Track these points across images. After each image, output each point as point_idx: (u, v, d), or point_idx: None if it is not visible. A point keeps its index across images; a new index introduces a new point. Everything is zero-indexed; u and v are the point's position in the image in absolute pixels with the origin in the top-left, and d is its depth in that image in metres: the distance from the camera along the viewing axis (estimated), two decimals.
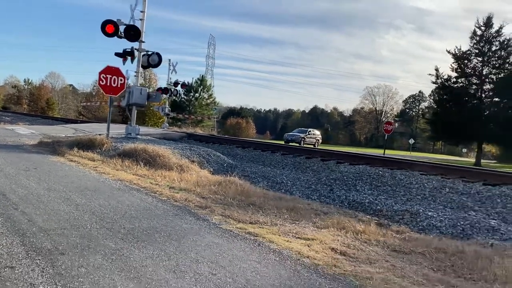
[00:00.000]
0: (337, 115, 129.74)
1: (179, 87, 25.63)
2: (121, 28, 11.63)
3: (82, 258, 2.96)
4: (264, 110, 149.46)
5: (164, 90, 24.58)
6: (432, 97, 37.36)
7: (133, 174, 7.25)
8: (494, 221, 5.56)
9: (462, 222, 5.51)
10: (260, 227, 4.46)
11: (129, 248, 3.29)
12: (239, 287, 2.73)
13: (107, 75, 10.33)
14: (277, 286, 2.85)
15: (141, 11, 12.23)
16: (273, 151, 11.55)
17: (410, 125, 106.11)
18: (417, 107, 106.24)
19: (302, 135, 32.47)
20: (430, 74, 34.49)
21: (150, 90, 16.24)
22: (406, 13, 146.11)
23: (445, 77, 32.31)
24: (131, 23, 11.85)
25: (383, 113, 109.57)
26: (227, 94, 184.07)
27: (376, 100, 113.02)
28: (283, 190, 7.77)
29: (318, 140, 34.13)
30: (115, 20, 11.53)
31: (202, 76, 37.37)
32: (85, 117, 45.24)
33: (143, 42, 12.25)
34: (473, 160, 41.83)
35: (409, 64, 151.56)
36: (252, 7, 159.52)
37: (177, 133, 16.34)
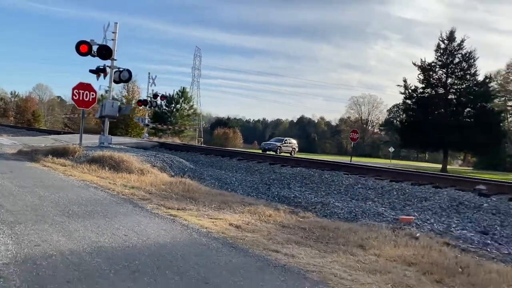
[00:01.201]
0: (324, 124, 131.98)
1: (158, 99, 26.90)
2: (94, 48, 12.92)
3: (34, 226, 4.20)
4: (253, 120, 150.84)
5: (144, 102, 25.86)
6: (401, 107, 39.16)
7: (96, 176, 8.47)
8: (383, 208, 6.91)
9: (357, 210, 6.85)
10: (183, 212, 5.73)
11: (71, 221, 4.54)
12: (140, 241, 4.00)
13: (80, 90, 11.57)
14: (171, 241, 4.12)
15: (113, 32, 13.52)
16: (231, 157, 12.87)
17: (394, 134, 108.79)
18: (400, 116, 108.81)
19: (278, 144, 33.93)
20: (398, 85, 36.42)
21: (133, 102, 17.53)
22: (393, 24, 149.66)
23: (412, 87, 34.28)
24: (104, 43, 13.15)
25: (369, 122, 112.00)
26: (218, 105, 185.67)
27: (361, 110, 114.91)
28: (228, 189, 9.04)
29: (295, 148, 35.60)
30: (89, 40, 12.82)
31: (183, 88, 39.08)
32: (70, 129, 46.17)
33: (115, 60, 13.52)
34: (450, 167, 43.66)
35: (397, 73, 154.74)
36: (241, 18, 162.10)
37: (151, 142, 17.58)
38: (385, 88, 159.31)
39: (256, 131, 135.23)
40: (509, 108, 51.27)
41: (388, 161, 59.52)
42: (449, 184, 8.32)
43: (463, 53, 32.88)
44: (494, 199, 7.07)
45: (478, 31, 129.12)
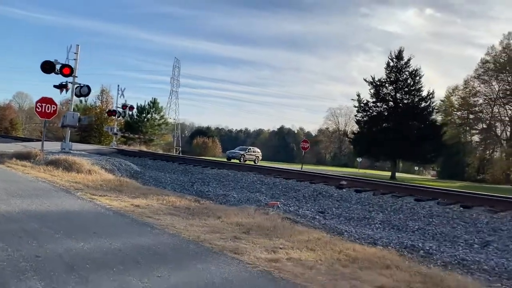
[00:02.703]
0: (303, 135, 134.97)
1: (127, 109, 28.88)
2: (58, 67, 14.96)
3: None
4: (236, 130, 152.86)
5: (113, 112, 27.83)
6: (355, 119, 42.16)
7: (49, 174, 10.49)
8: (264, 197, 9.15)
9: (245, 198, 9.07)
10: (103, 197, 7.81)
11: (14, 199, 6.61)
12: (57, 209, 6.10)
13: (43, 104, 13.56)
14: (79, 210, 6.23)
15: (75, 53, 15.58)
16: (173, 161, 15.02)
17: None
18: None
19: (242, 152, 36.24)
20: (352, 99, 39.31)
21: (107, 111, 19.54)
22: (375, 37, 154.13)
23: (365, 101, 37.27)
24: (67, 62, 15.20)
25: (346, 133, 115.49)
26: (201, 114, 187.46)
27: (338, 121, 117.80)
28: (159, 186, 11.15)
29: (258, 157, 37.95)
30: (53, 60, 14.86)
31: (155, 99, 41.32)
32: (46, 137, 47.43)
33: (76, 77, 15.56)
34: (402, 175, 46.64)
35: None
36: (225, 29, 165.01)
37: (110, 149, 19.58)
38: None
39: (238, 141, 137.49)
40: (470, 121, 54.87)
41: (356, 170, 62.48)
42: (321, 181, 10.61)
43: (409, 70, 36.07)
44: (344, 190, 9.37)
45: (457, 45, 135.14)
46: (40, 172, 10.86)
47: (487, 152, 52.85)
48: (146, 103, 40.32)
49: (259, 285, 3.61)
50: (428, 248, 5.79)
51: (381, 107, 36.57)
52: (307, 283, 3.73)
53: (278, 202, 8.51)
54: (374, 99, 36.77)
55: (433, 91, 35.90)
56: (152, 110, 41.16)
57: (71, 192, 8.08)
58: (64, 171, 11.34)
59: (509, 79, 51.19)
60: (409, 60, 35.93)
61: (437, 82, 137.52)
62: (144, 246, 4.45)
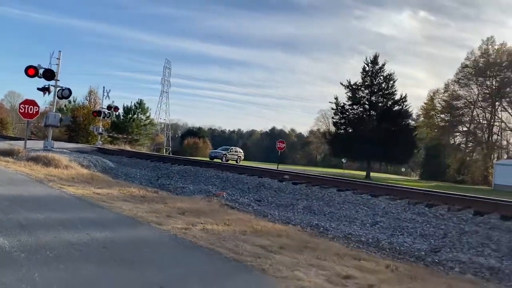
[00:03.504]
0: (294, 136, 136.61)
1: (112, 110, 30.19)
2: (41, 71, 16.25)
3: None
4: (229, 130, 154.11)
5: (98, 113, 29.11)
6: (332, 121, 43.75)
7: (28, 169, 11.79)
8: (215, 188, 10.53)
9: (199, 190, 10.44)
10: (70, 187, 9.15)
11: None
12: (28, 194, 7.44)
13: (26, 105, 14.85)
14: (46, 195, 7.57)
15: (57, 58, 16.88)
16: (146, 159, 16.38)
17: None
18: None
19: (224, 152, 37.68)
20: (330, 102, 40.89)
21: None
22: (369, 39, 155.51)
23: (341, 104, 38.92)
24: (49, 67, 16.50)
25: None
26: (195, 115, 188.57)
27: (329, 122, 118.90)
28: (128, 180, 12.48)
29: (240, 156, 39.41)
30: (36, 65, 16.14)
31: (141, 100, 42.71)
32: (36, 136, 48.51)
33: (58, 80, 16.86)
34: (376, 174, 48.31)
35: None
36: (220, 30, 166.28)
37: (92, 147, 20.89)
38: None
39: (231, 141, 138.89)
40: (441, 124, 56.64)
41: (341, 170, 64.14)
42: (269, 175, 12.01)
43: (384, 75, 37.75)
44: (284, 183, 10.79)
45: (450, 47, 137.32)
46: (21, 166, 12.15)
47: (466, 154, 54.63)
48: (133, 104, 41.89)
49: (162, 241, 5.00)
50: (328, 227, 7.21)
51: (357, 109, 38.23)
52: (200, 241, 5.11)
53: (224, 193, 9.90)
54: (350, 102, 38.43)
55: (405, 95, 37.75)
56: (138, 111, 42.52)
57: (44, 182, 9.41)
58: (43, 166, 12.64)
59: (487, 83, 53.04)
60: (383, 65, 37.79)
61: (431, 85, 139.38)
62: (87, 218, 5.82)
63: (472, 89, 54.69)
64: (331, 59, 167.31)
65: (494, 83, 51.83)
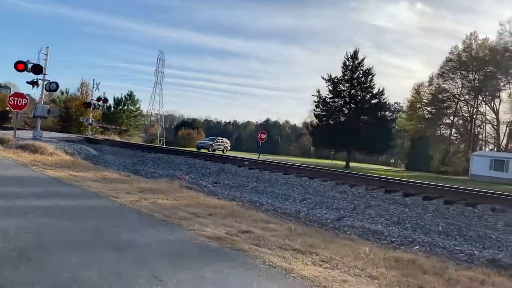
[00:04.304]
0: (288, 127, 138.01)
1: (104, 101, 31.47)
2: (29, 66, 17.51)
3: None
4: (224, 122, 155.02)
5: (88, 104, 30.39)
6: (314, 113, 45.21)
7: (16, 155, 13.14)
8: (181, 173, 11.94)
9: (167, 174, 11.84)
10: (51, 170, 10.53)
11: None
12: (12, 175, 8.83)
13: (15, 98, 16.14)
14: (26, 175, 8.96)
15: (45, 54, 18.12)
16: (127, 148, 17.77)
17: None
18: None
19: (210, 142, 39.14)
20: (313, 95, 42.36)
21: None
22: (365, 31, 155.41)
23: (323, 97, 40.38)
24: (37, 62, 17.76)
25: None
26: (191, 106, 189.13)
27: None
28: (107, 166, 13.84)
29: (226, 147, 40.87)
30: (25, 60, 17.41)
31: (131, 91, 44.07)
32: (29, 126, 49.81)
33: (46, 74, 18.12)
34: (355, 164, 49.99)
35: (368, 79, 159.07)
36: (215, 20, 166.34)
37: (79, 137, 22.23)
38: None
39: (226, 133, 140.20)
40: (428, 116, 58.19)
41: (329, 161, 65.75)
42: (231, 162, 13.43)
43: (363, 69, 39.16)
44: (241, 168, 12.21)
45: (447, 40, 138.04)
46: (9, 153, 13.50)
47: (449, 146, 56.30)
48: (123, 95, 43.22)
49: (110, 208, 6.40)
50: (264, 202, 8.63)
51: (337, 102, 39.73)
52: (143, 209, 6.50)
53: (187, 176, 11.32)
54: (331, 95, 39.92)
55: (383, 89, 39.21)
56: (128, 102, 43.83)
57: (28, 166, 10.79)
58: (30, 153, 13.98)
59: (470, 77, 54.51)
60: (363, 60, 39.28)
61: (426, 77, 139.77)
62: (57, 192, 7.22)
63: (456, 82, 56.21)
64: (327, 50, 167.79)
65: (476, 77, 53.31)
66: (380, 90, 38.77)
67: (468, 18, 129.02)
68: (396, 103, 72.92)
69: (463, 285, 4.34)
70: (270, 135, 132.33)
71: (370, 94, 38.42)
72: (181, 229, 5.30)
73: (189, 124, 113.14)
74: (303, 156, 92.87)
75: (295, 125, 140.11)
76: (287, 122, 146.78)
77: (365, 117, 37.95)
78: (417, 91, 59.12)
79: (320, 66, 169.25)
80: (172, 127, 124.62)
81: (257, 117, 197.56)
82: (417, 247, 6.06)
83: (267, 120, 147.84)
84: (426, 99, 61.49)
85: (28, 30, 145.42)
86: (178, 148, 26.57)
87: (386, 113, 39.90)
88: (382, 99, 39.15)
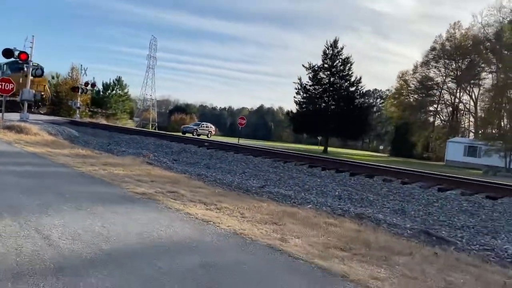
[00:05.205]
0: (282, 114, 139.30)
1: (92, 86, 32.92)
2: (16, 53, 18.93)
3: None
4: (220, 107, 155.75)
5: (76, 89, 31.86)
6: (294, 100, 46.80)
7: (2, 135, 14.70)
8: (146, 151, 13.56)
9: (135, 153, 13.45)
10: (32, 147, 12.11)
11: None
12: None
13: (2, 82, 17.62)
14: (7, 150, 10.57)
15: (30, 42, 19.53)
16: (107, 130, 19.38)
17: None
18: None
19: (195, 127, 40.84)
20: (294, 82, 43.84)
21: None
22: (363, 16, 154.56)
23: (304, 84, 42.02)
24: (24, 50, 19.18)
25: (288, 112, 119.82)
26: (186, 91, 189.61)
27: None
28: (85, 145, 15.44)
29: (211, 131, 42.60)
30: (12, 48, 18.82)
31: (119, 76, 45.59)
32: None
33: (31, 61, 19.56)
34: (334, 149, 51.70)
35: (366, 65, 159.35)
36: (212, 3, 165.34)
37: (64, 119, 23.78)
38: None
39: (221, 118, 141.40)
40: (414, 103, 59.82)
41: (316, 147, 67.62)
42: (193, 143, 15.07)
43: (342, 58, 40.70)
44: (201, 148, 13.85)
45: (444, 26, 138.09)
46: None
47: (431, 133, 58.14)
48: (111, 80, 44.72)
49: (70, 173, 8.03)
50: (208, 175, 10.26)
51: (318, 90, 41.36)
52: (97, 175, 8.14)
53: (152, 154, 12.94)
54: (311, 83, 41.53)
55: (360, 78, 40.87)
56: (116, 87, 45.27)
57: (12, 144, 12.38)
58: (15, 133, 15.55)
59: (453, 66, 56.02)
60: (342, 49, 40.84)
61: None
62: (31, 162, 8.85)
63: (439, 71, 57.74)
64: (325, 35, 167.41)
65: (459, 66, 54.82)
66: (357, 79, 40.62)
67: (468, 5, 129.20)
68: (388, 90, 74.53)
69: (314, 226, 6.00)
70: (265, 121, 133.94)
71: (348, 82, 40.09)
72: (118, 188, 6.94)
73: (182, 109, 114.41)
74: (295, 143, 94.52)
75: (289, 111, 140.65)
76: (280, 108, 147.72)
77: (343, 104, 39.68)
78: (402, 78, 60.61)
79: (318, 52, 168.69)
80: (167, 111, 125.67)
81: (252, 103, 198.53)
82: (310, 206, 7.74)
83: (261, 107, 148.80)
84: (414, 86, 62.93)
85: (21, 13, 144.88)
86: (151, 130, 28.24)
87: (362, 100, 41.70)
88: (359, 87, 40.98)
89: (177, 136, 17.94)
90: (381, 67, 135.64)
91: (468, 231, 6.30)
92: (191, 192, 7.58)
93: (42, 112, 29.46)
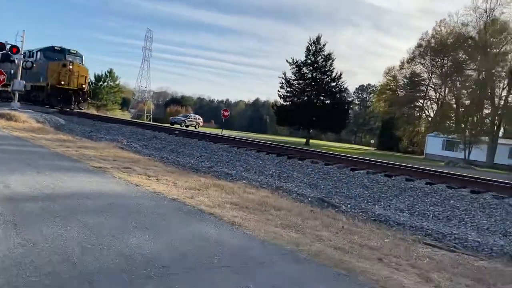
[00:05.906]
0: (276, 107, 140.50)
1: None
2: (8, 46, 20.41)
3: None
4: (217, 100, 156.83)
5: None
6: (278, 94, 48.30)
7: None
8: (122, 138, 15.14)
9: (111, 139, 15.03)
10: (16, 132, 13.67)
11: None
12: None
13: None
14: (8, 137, 12.14)
15: (21, 36, 21.01)
16: (90, 118, 20.96)
17: None
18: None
19: (183, 118, 42.45)
20: (279, 77, 45.41)
21: None
22: (363, 11, 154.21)
23: (287, 79, 43.64)
24: (15, 43, 20.67)
25: (273, 105, 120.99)
26: (185, 83, 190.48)
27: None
28: (69, 133, 17.00)
29: (198, 123, 44.24)
30: (4, 42, 20.31)
31: (111, 68, 47.27)
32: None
33: (22, 54, 21.04)
34: (319, 141, 53.29)
35: (366, 60, 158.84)
36: None
37: (52, 109, 25.29)
38: (355, 74, 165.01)
39: (218, 111, 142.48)
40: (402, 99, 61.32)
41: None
42: (165, 131, 16.64)
43: (324, 54, 42.28)
44: (170, 135, 15.43)
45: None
46: None
47: (415, 127, 59.73)
48: (103, 72, 46.33)
49: (44, 152, 9.61)
50: (169, 158, 11.85)
51: (301, 84, 42.98)
52: (67, 154, 9.72)
53: (125, 140, 14.52)
54: (295, 77, 43.16)
55: (341, 73, 42.52)
56: (108, 79, 46.83)
57: (1, 130, 13.93)
58: (5, 120, 17.09)
59: (439, 63, 57.42)
60: (324, 45, 42.45)
61: None
62: (12, 143, 10.43)
63: (426, 67, 59.19)
64: (325, 30, 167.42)
65: (445, 62, 56.25)
66: (338, 75, 42.28)
67: (467, 0, 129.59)
68: (374, 85, 76.07)
69: (232, 193, 7.57)
70: (261, 115, 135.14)
71: (329, 78, 41.77)
72: (82, 164, 8.53)
73: (178, 101, 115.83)
74: (290, 136, 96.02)
75: (274, 104, 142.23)
76: (276, 102, 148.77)
77: (325, 99, 41.39)
78: (388, 74, 62.11)
79: None
80: (164, 103, 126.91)
81: (249, 97, 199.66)
82: (244, 181, 9.34)
83: (257, 100, 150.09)
84: (402, 81, 64.35)
85: (21, 3, 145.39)
86: (135, 120, 29.84)
87: (343, 95, 43.38)
88: (339, 83, 42.63)
89: (150, 125, 19.52)
90: (382, 62, 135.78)
91: (357, 200, 7.93)
92: (144, 169, 9.13)
93: (83, 109, 26.16)
